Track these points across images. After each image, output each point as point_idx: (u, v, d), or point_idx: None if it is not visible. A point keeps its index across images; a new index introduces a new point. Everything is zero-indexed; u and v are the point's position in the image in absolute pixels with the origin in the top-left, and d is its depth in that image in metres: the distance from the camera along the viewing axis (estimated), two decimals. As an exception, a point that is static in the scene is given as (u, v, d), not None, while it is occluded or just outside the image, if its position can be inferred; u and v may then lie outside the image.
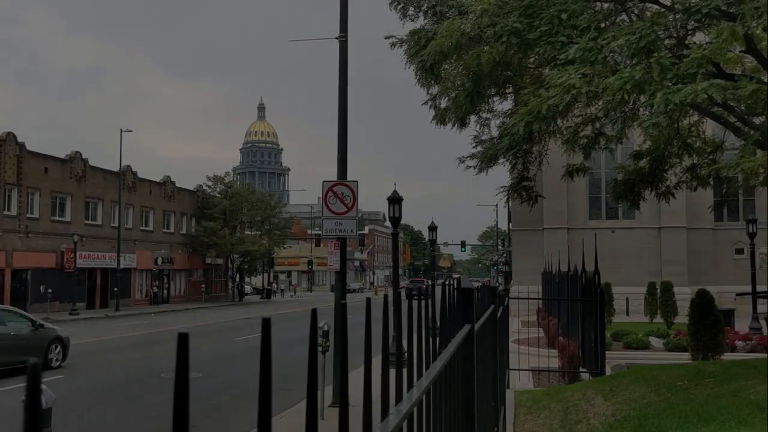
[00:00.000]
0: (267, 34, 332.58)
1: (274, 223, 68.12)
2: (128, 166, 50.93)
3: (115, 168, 48.38)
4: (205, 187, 62.50)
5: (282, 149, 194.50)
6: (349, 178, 13.45)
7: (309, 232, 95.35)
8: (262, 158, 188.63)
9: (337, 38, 13.76)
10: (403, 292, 2.92)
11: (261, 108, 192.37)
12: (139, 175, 52.43)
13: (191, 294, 58.29)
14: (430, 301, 2.58)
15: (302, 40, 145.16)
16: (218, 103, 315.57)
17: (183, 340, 0.68)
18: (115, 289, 44.61)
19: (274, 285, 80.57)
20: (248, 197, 63.45)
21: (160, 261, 53.75)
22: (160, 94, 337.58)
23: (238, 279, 66.88)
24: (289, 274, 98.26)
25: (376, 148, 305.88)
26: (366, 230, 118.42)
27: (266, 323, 0.90)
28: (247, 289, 74.16)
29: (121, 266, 45.70)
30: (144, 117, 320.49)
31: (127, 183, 50.00)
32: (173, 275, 57.05)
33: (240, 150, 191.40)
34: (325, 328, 11.38)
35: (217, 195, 61.95)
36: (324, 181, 13.29)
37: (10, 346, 16.27)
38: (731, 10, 9.09)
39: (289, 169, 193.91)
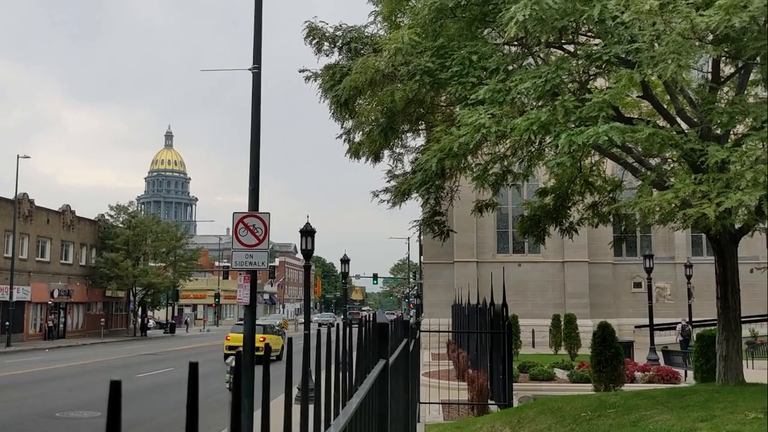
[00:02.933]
0: (177, 62, 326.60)
1: (180, 255, 66.13)
2: (24, 193, 48.48)
3: (10, 196, 45.96)
4: (107, 217, 60.19)
5: (190, 179, 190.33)
6: (261, 210, 13.26)
7: (217, 264, 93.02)
8: (168, 187, 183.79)
9: (250, 69, 13.64)
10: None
11: (168, 136, 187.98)
12: (37, 203, 49.97)
13: (90, 328, 55.59)
14: (347, 335, 2.56)
15: (214, 70, 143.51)
16: (124, 131, 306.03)
17: (115, 388, 0.64)
18: (7, 323, 41.95)
19: (188, 318, 77.84)
20: (153, 227, 61.45)
21: (56, 293, 51.10)
22: (62, 119, 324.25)
23: (140, 313, 64.36)
24: (195, 307, 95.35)
25: (289, 179, 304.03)
26: (277, 262, 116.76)
27: (193, 368, 0.87)
28: (151, 323, 71.38)
29: (14, 299, 43.08)
30: (44, 143, 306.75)
31: (23, 211, 47.54)
32: (71, 308, 54.30)
33: (145, 179, 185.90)
34: (233, 364, 11.10)
35: (120, 225, 59.70)
36: (235, 213, 13.03)
37: None
38: (629, 58, 9.67)
39: (196, 199, 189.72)
